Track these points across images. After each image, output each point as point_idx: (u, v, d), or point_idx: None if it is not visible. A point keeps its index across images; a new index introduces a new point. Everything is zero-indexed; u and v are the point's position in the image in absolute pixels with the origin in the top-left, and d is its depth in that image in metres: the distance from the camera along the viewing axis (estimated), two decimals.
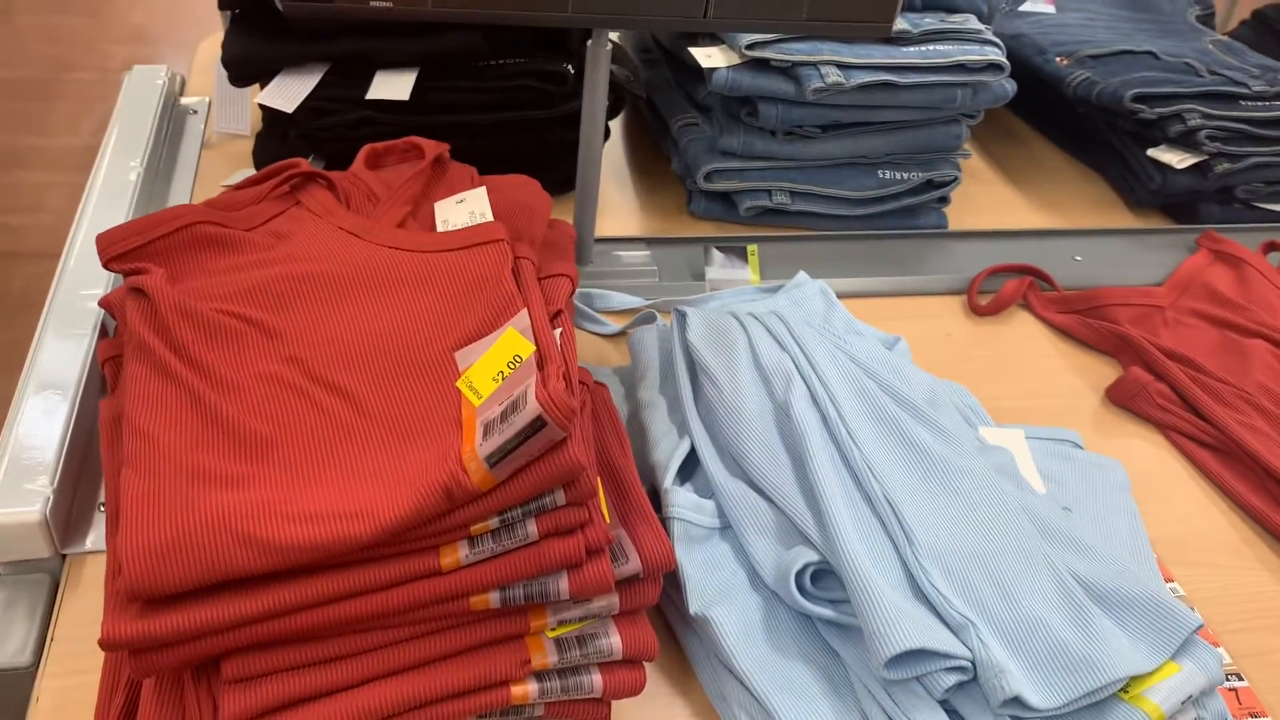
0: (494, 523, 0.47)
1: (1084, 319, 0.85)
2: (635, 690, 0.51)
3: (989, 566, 0.56)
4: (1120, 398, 0.79)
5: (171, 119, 0.97)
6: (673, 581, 0.58)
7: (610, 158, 1.02)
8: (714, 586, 0.58)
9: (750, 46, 0.85)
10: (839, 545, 0.55)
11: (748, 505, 0.60)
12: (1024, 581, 0.56)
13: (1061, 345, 0.85)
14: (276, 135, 0.86)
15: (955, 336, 0.85)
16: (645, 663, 0.52)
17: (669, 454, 0.63)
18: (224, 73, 0.85)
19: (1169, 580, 0.66)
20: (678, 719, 0.55)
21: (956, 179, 0.92)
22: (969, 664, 0.51)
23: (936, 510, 0.58)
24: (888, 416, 0.64)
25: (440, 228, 0.61)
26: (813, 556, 0.56)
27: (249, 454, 0.48)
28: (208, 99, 0.99)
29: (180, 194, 0.87)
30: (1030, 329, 0.86)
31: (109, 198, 0.79)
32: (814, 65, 0.85)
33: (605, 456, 0.57)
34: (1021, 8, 1.18)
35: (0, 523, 0.56)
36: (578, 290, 0.81)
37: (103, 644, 0.44)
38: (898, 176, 0.92)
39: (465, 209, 0.61)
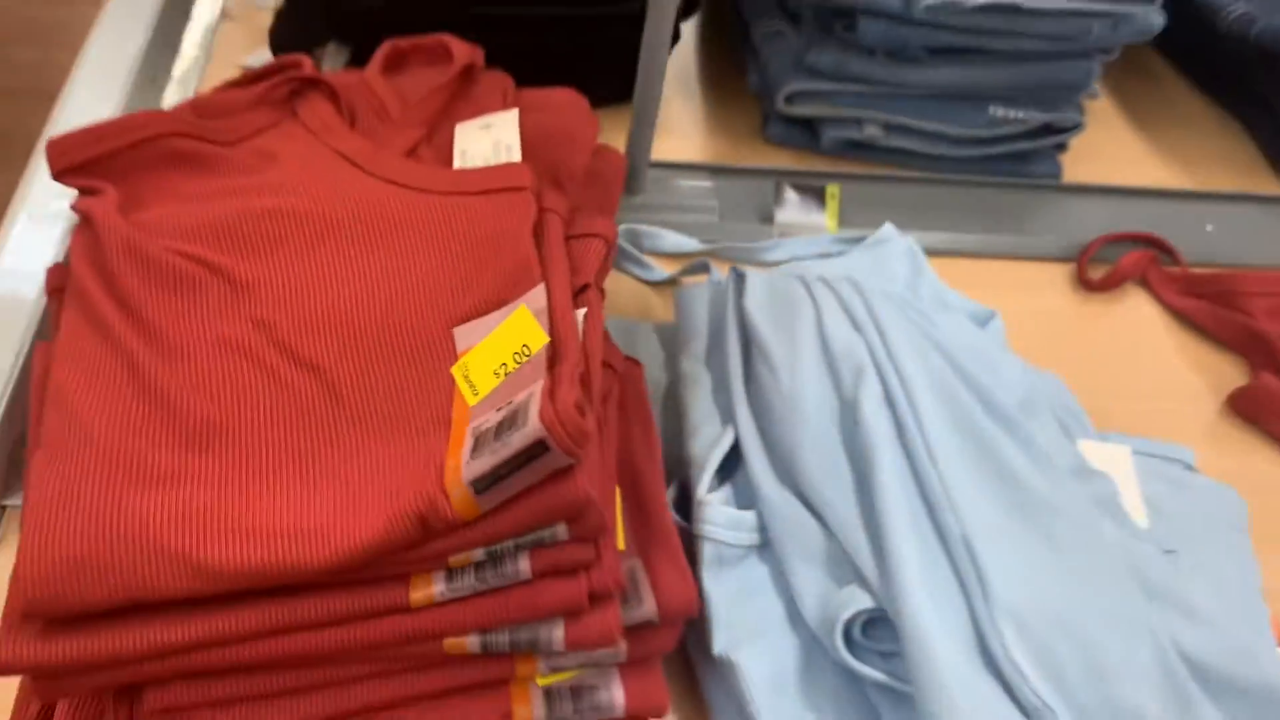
0: (478, 555, 0.38)
1: (1211, 306, 0.73)
2: None
3: (1078, 634, 0.46)
4: (1245, 409, 0.67)
5: None
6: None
7: (679, 66, 0.89)
8: (745, 620, 0.49)
9: None
10: (901, 595, 0.45)
11: (795, 523, 0.51)
12: (1119, 656, 0.46)
13: (1182, 336, 0.73)
14: (299, 14, 0.76)
15: (1057, 314, 0.73)
16: None
17: (708, 448, 0.54)
18: None
19: None
20: None
21: (1079, 125, 0.79)
22: None
23: (1022, 557, 0.48)
24: (975, 429, 0.53)
25: (457, 160, 0.50)
26: (867, 602, 0.47)
27: (189, 442, 0.40)
28: None
29: (188, 77, 0.77)
30: (1146, 313, 0.74)
31: (99, 76, 0.70)
32: None
33: (628, 462, 0.48)
34: None
35: None
36: (625, 227, 0.71)
37: None
38: (1012, 115, 0.79)
39: (490, 138, 0.51)
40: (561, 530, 0.39)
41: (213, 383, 0.41)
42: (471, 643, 0.39)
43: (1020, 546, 0.49)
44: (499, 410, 0.38)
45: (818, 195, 0.75)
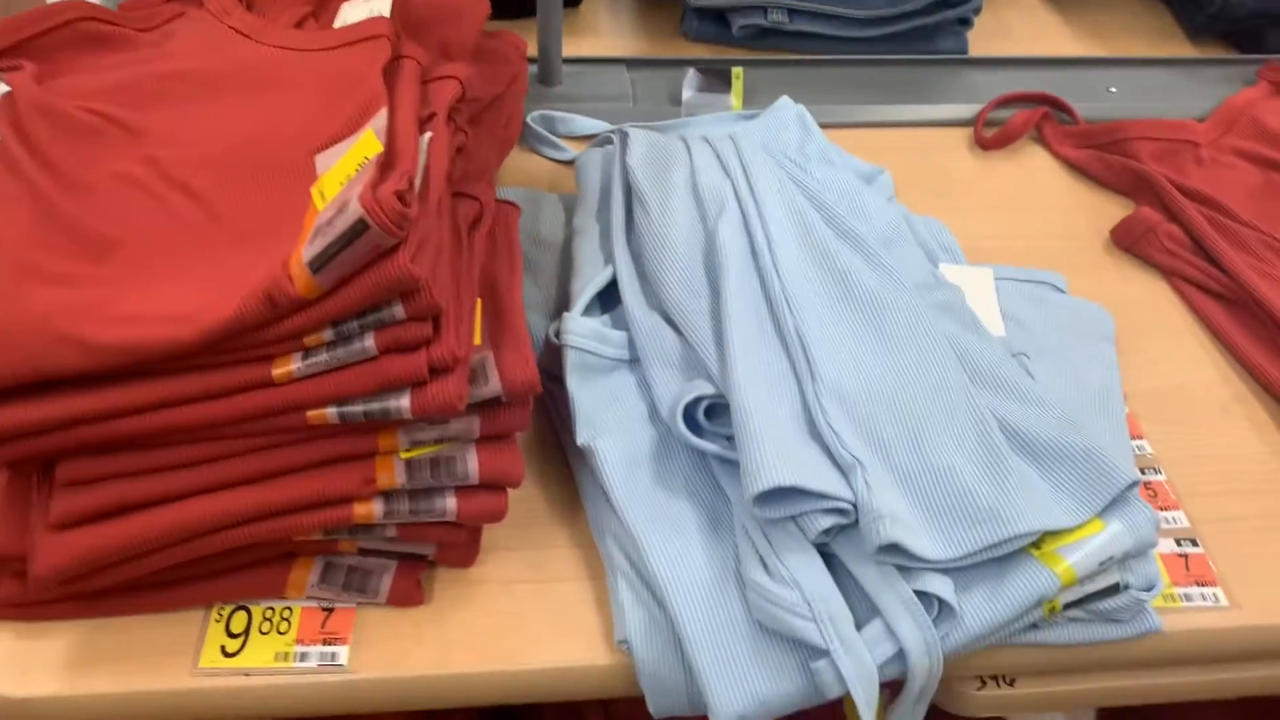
0: (328, 335, 0.44)
1: (1101, 154, 0.76)
2: (494, 517, 0.49)
3: (900, 408, 0.51)
4: (1125, 240, 0.71)
5: None
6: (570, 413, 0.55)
7: None
8: (609, 419, 0.54)
9: None
10: (731, 376, 0.51)
11: (657, 337, 0.56)
12: (938, 425, 0.51)
13: (1074, 184, 0.76)
14: None
15: (955, 171, 0.77)
16: (514, 489, 0.49)
17: (586, 282, 0.59)
18: None
19: (1137, 437, 0.60)
20: (556, 548, 0.53)
21: None
22: (850, 506, 0.47)
23: (852, 347, 0.53)
24: (823, 249, 0.58)
25: (337, 26, 0.57)
26: (708, 389, 0.52)
27: (87, 254, 0.46)
28: None
29: None
30: (1041, 164, 0.78)
31: None
32: None
33: (491, 278, 0.53)
34: None
35: None
36: (539, 113, 0.76)
37: None
38: None
39: (367, 8, 0.57)
40: (399, 310, 0.44)
41: (109, 208, 0.48)
42: (330, 414, 0.45)
43: (851, 339, 0.54)
44: (335, 208, 0.44)
45: (724, 78, 0.80)
